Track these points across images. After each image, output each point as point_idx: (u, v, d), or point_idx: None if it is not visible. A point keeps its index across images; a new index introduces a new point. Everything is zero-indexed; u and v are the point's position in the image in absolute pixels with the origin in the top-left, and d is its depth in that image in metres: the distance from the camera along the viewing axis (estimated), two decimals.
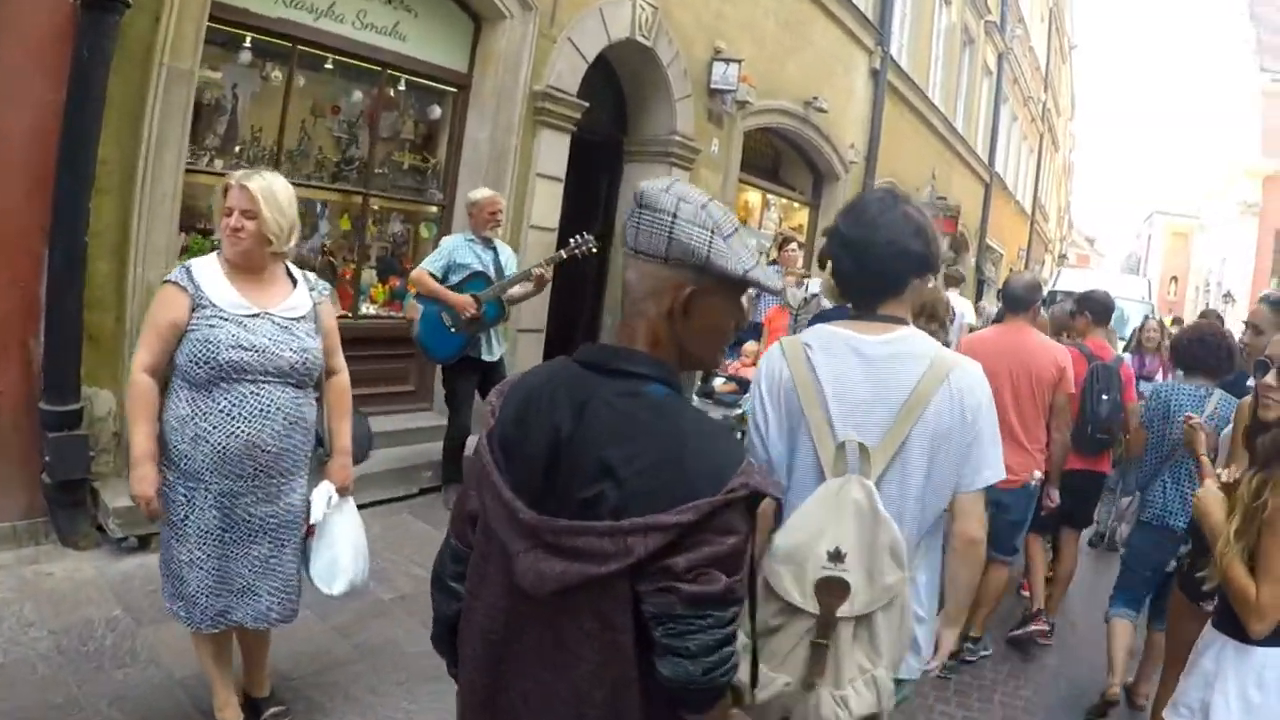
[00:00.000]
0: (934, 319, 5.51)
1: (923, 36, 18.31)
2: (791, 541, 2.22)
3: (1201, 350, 4.85)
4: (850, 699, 2.22)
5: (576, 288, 10.23)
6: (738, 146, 11.51)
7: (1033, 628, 5.61)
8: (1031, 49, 31.94)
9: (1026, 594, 6.06)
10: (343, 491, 3.60)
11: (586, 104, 8.77)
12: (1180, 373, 5.08)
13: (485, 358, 6.65)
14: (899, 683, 2.36)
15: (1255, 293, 39.11)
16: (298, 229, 3.43)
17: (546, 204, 8.67)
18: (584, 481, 1.58)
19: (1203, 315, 14.98)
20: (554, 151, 8.64)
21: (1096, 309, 6.18)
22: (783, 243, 9.66)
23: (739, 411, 6.47)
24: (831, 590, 2.17)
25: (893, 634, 2.25)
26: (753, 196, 13.47)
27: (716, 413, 6.67)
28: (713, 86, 10.63)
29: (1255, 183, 41.11)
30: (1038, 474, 5.06)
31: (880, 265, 2.39)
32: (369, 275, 8.10)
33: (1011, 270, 18.61)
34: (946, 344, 3.21)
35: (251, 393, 3.24)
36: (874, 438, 2.29)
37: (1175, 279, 51.15)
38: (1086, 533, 7.20)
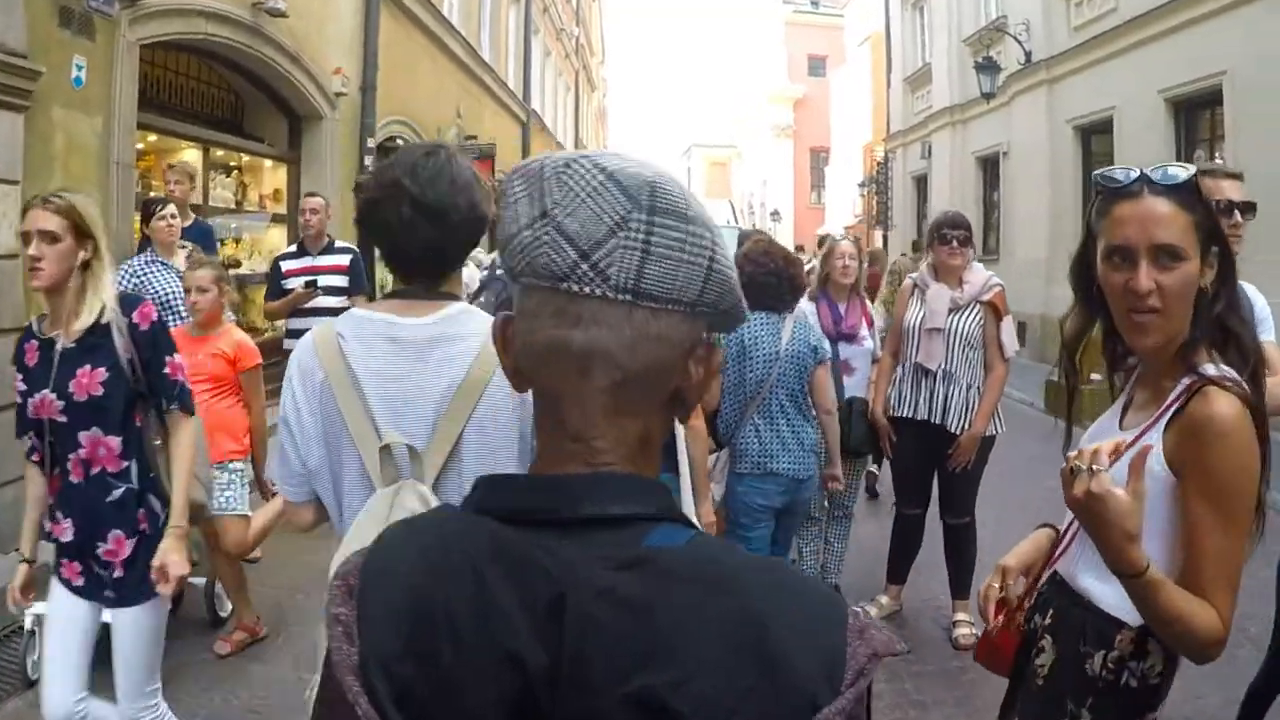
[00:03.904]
0: None
1: None
2: None
3: (768, 292, 4.43)
4: None
5: None
6: (130, 72, 7.26)
7: None
8: None
9: None
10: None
11: None
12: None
13: None
14: None
15: (799, 207, 45.01)
16: None
17: None
18: None
19: (753, 236, 14.17)
20: None
21: None
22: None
23: None
24: None
25: None
26: (191, 155, 9.15)
27: None
28: None
29: (786, 107, 46.55)
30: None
31: (463, 233, 2.12)
32: None
33: None
34: None
35: None
36: (424, 436, 2.05)
37: None
38: None
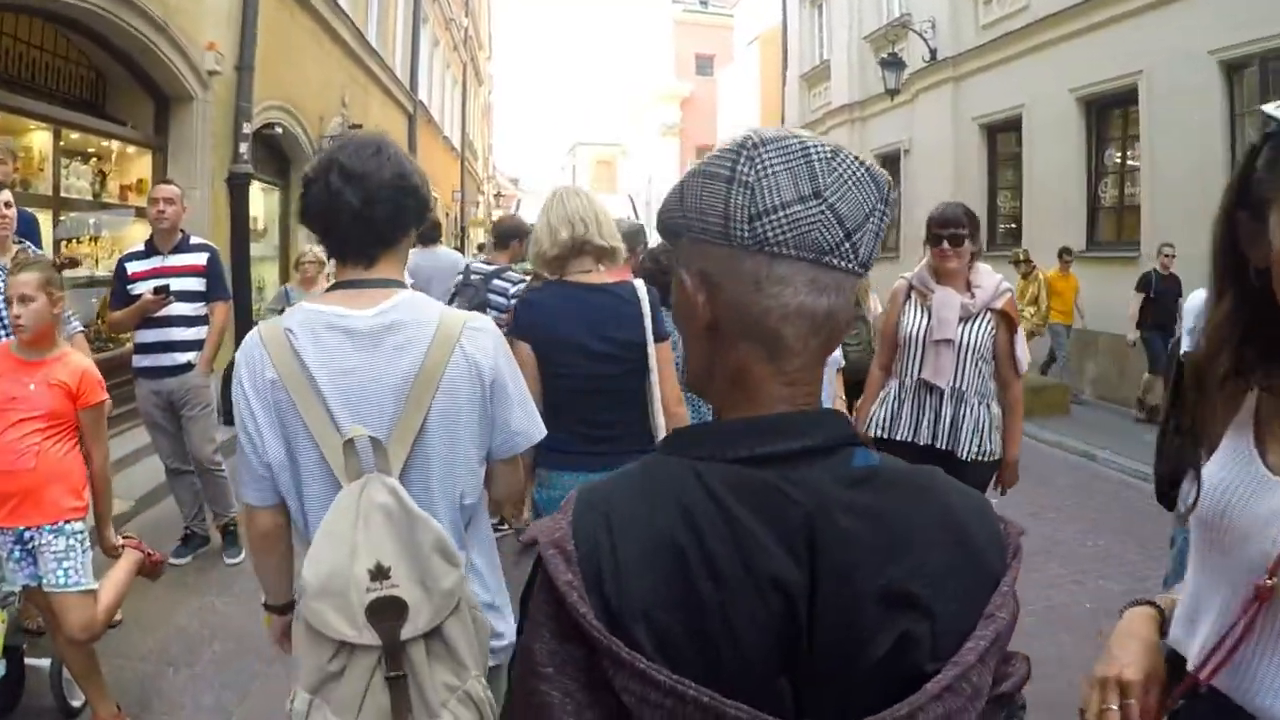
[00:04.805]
0: None
1: None
2: (323, 571, 1.90)
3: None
4: None
5: None
6: None
7: None
8: None
9: None
10: None
11: None
12: None
13: None
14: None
15: None
16: None
17: None
18: (867, 635, 0.93)
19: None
20: None
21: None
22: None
23: None
24: (387, 613, 1.89)
25: (470, 638, 2.01)
26: (39, 139, 8.06)
27: None
28: None
29: (673, 105, 47.12)
30: None
31: (390, 204, 2.09)
32: None
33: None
34: None
35: None
36: (385, 427, 2.01)
37: None
38: None
